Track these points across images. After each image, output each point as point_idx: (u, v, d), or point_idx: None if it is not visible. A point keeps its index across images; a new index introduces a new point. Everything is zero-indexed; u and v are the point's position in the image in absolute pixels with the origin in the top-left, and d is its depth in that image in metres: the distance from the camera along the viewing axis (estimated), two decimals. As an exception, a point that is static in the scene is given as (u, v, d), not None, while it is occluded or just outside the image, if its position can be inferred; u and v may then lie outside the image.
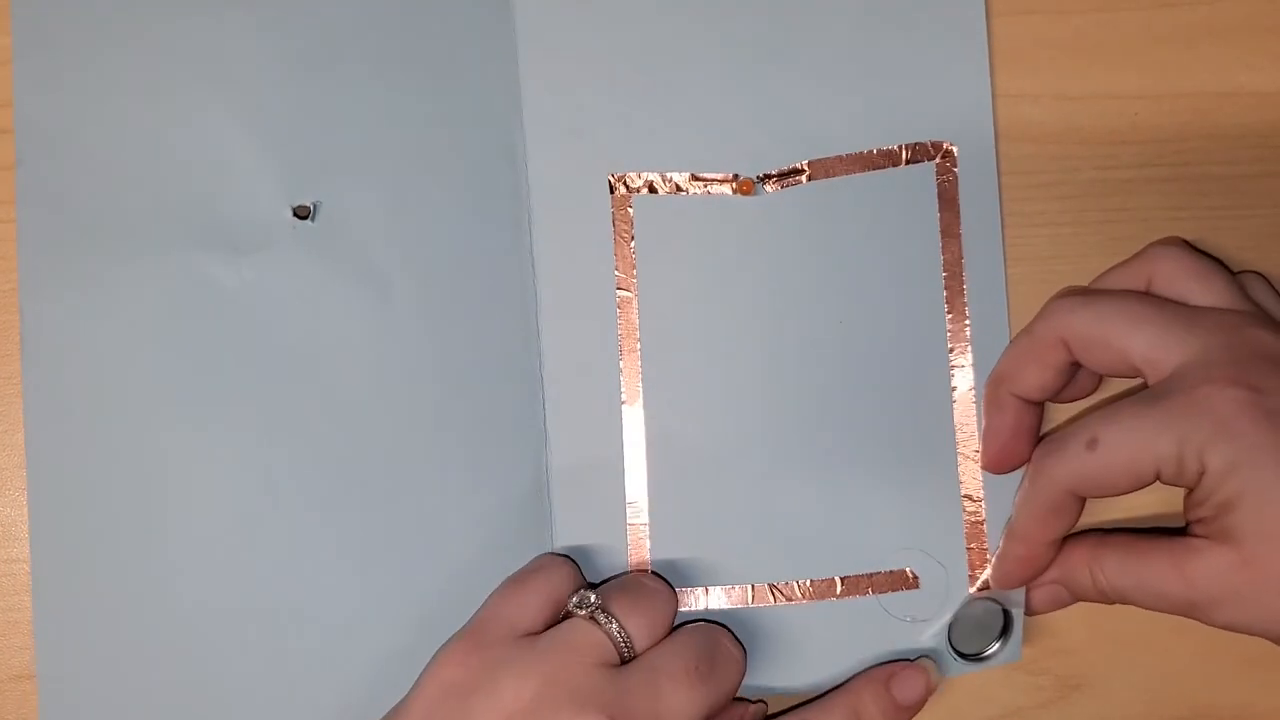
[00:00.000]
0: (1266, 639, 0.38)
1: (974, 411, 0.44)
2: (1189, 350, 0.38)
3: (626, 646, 0.39)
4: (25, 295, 0.42)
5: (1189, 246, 0.42)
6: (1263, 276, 0.42)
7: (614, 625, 0.39)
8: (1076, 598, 0.42)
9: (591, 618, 0.40)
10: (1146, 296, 0.41)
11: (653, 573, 0.43)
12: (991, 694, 0.45)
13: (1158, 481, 0.38)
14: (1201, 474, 0.37)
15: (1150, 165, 0.44)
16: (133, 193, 0.42)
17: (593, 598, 0.40)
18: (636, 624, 0.40)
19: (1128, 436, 0.38)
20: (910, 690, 0.42)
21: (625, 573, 0.43)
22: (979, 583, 0.44)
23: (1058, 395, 0.42)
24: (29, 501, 0.42)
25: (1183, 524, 0.40)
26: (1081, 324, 0.40)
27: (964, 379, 0.44)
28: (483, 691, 0.38)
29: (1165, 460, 0.37)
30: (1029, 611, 0.43)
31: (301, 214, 0.42)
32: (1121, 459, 0.38)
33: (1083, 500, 0.40)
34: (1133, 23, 0.44)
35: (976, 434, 0.43)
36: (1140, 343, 0.39)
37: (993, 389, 0.43)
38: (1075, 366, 0.41)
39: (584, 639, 0.39)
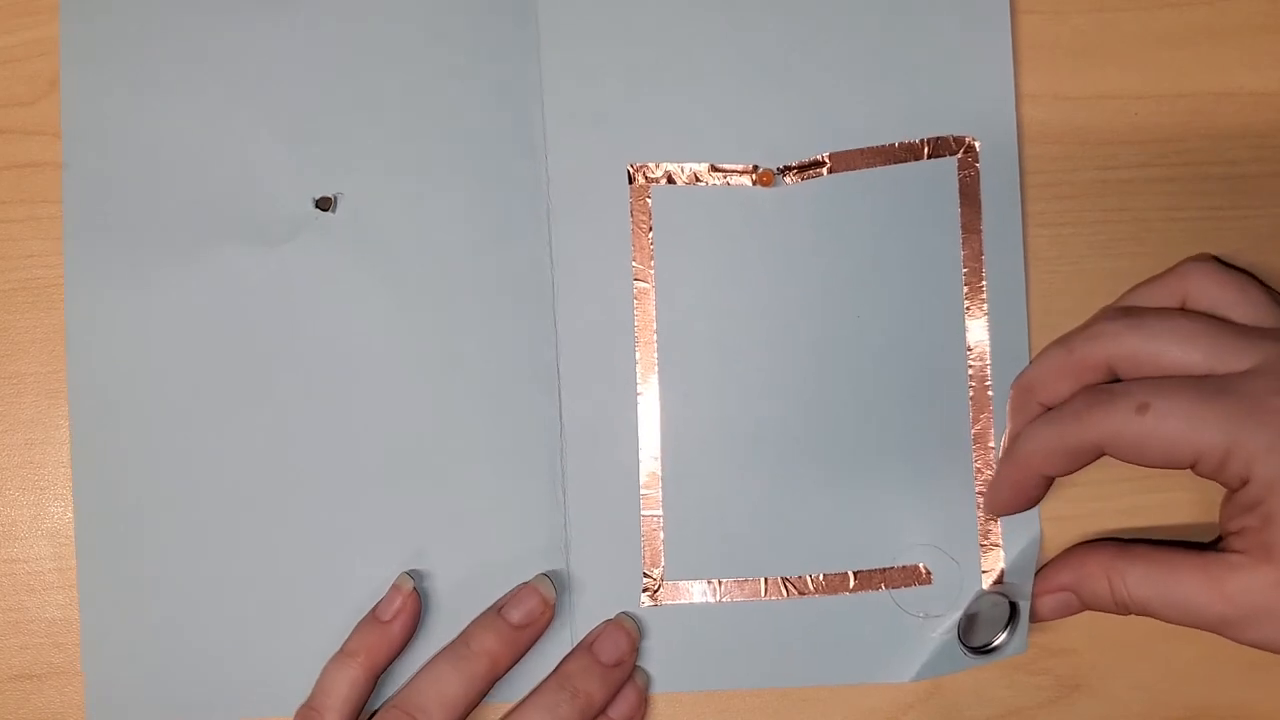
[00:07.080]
0: None
1: (989, 409, 0.43)
2: (1248, 363, 0.38)
3: None
4: (71, 292, 0.43)
5: (1220, 262, 0.42)
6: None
7: None
8: (1088, 607, 0.42)
9: None
10: (1192, 313, 0.40)
11: None
12: (991, 694, 0.45)
13: (1189, 470, 0.38)
14: (1245, 481, 0.37)
15: (1150, 165, 0.44)
16: (170, 192, 0.43)
17: None
18: None
19: (1181, 416, 0.37)
20: (612, 649, 0.42)
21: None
22: (991, 579, 0.44)
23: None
24: (74, 483, 0.43)
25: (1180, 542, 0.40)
26: (1130, 346, 0.39)
27: (981, 376, 0.44)
28: None
29: (1209, 451, 0.37)
30: (1035, 618, 0.43)
31: (323, 206, 0.43)
32: (1166, 434, 0.37)
33: (1099, 456, 0.39)
34: (1133, 23, 0.45)
35: (992, 432, 0.43)
36: (1197, 359, 0.38)
37: (1020, 395, 0.42)
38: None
39: None
